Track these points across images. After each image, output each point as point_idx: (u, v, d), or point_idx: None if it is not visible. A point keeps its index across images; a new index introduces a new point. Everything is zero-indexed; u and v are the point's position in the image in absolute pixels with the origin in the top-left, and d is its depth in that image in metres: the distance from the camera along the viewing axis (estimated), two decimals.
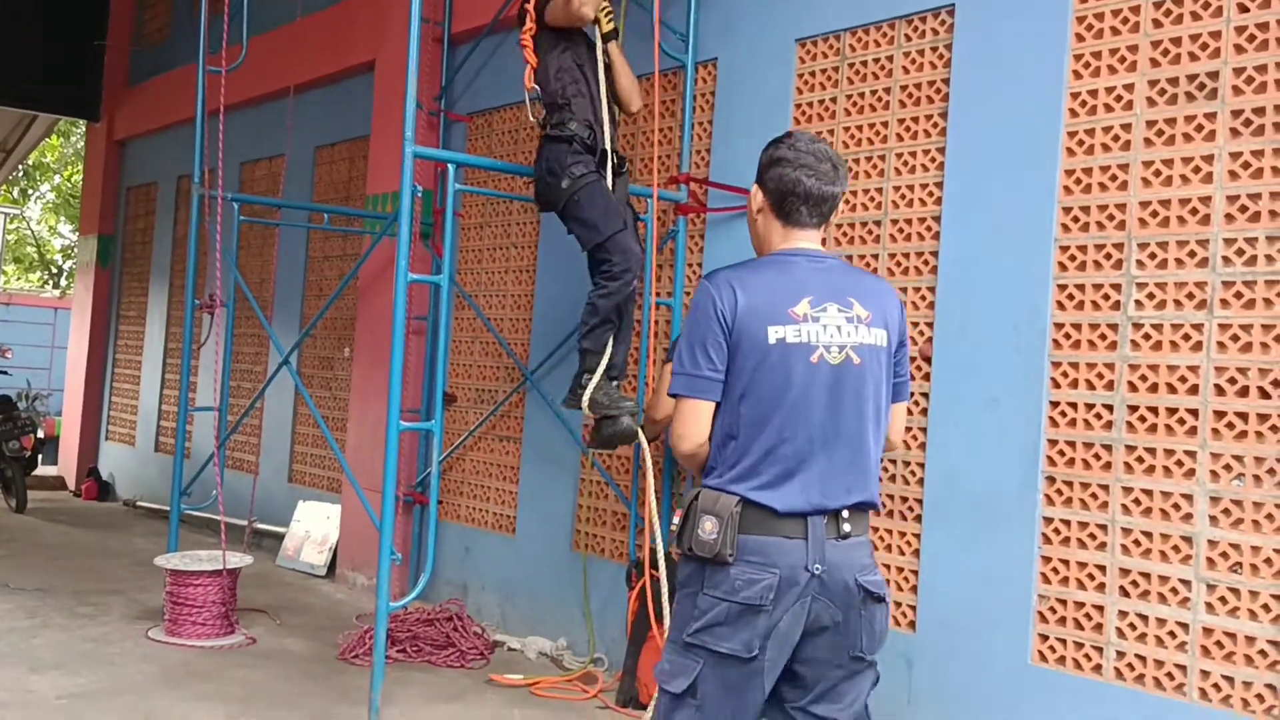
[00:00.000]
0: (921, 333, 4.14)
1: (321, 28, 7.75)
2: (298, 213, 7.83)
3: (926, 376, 4.11)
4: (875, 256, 4.33)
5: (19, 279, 28.54)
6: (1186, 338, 3.43)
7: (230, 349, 5.99)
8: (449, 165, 4.57)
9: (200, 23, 6.05)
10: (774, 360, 2.36)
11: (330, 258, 7.97)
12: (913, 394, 4.15)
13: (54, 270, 28.64)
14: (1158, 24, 3.58)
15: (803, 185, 2.46)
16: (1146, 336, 3.53)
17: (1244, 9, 3.39)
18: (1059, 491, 3.69)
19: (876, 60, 4.41)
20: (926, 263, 4.16)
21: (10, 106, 11.55)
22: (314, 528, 7.47)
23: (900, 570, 4.10)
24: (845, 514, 2.38)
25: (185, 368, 5.92)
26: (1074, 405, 3.68)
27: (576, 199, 4.21)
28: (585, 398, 4.22)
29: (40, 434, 10.64)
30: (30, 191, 28.05)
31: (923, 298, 4.16)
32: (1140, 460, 3.51)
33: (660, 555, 3.64)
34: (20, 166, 20.70)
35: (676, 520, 3.58)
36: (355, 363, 7.12)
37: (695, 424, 2.43)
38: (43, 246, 28.45)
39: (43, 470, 11.13)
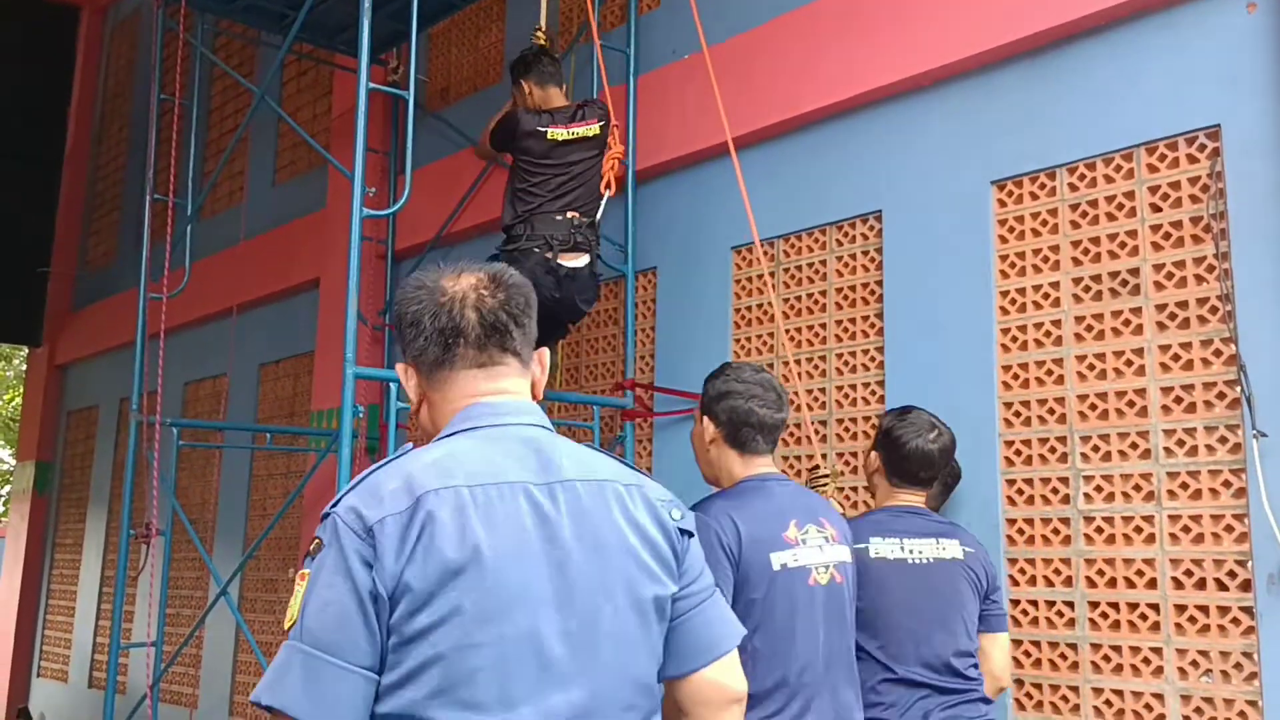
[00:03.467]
0: None
1: (266, 249, 7.84)
2: (241, 433, 7.72)
3: None
4: (824, 456, 4.31)
5: None
6: (1139, 530, 3.41)
7: (167, 580, 5.76)
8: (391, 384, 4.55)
9: (144, 250, 6.10)
10: (779, 588, 2.34)
11: (275, 475, 7.81)
12: None
13: None
14: (1075, 225, 3.71)
15: (756, 415, 2.51)
16: (1099, 530, 3.50)
17: (1157, 209, 3.53)
18: (1028, 695, 3.57)
19: (810, 265, 4.52)
20: None
21: None
22: None
23: None
24: None
25: (119, 601, 5.66)
26: (1034, 603, 3.61)
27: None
28: None
29: None
30: None
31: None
32: (1106, 659, 3.42)
33: None
34: None
35: None
36: None
37: None
38: None
39: None
